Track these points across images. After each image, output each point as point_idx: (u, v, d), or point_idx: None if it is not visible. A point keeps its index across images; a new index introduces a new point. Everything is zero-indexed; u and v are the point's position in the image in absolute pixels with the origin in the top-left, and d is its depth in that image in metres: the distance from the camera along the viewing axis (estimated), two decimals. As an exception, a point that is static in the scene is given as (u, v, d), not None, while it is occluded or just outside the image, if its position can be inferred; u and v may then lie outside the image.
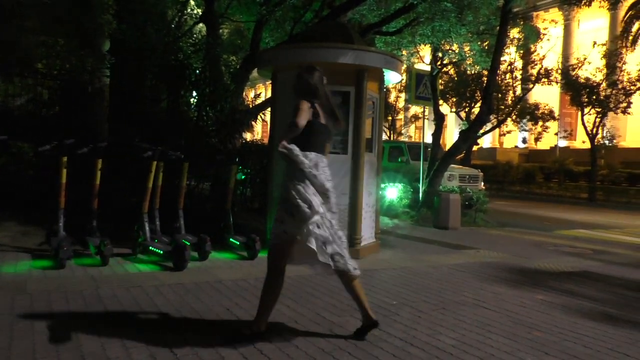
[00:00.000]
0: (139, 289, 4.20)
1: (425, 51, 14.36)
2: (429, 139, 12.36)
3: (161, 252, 5.07)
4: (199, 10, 12.27)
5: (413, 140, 29.41)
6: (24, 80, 9.62)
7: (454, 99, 20.24)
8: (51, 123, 8.77)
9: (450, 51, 12.32)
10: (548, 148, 27.42)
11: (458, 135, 11.58)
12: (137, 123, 7.98)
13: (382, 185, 10.19)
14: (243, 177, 8.43)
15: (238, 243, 5.79)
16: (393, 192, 10.96)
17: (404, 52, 12.60)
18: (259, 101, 11.05)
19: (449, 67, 16.72)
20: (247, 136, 10.33)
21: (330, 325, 3.55)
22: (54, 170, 5.23)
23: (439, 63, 12.37)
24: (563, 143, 26.63)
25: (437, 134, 12.19)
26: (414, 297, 4.42)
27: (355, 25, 10.88)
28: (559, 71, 18.82)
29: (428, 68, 12.21)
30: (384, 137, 21.93)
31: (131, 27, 8.56)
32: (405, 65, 11.05)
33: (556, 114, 21.01)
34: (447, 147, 18.73)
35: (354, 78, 5.99)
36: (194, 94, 8.64)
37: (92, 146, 5.34)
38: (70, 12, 9.27)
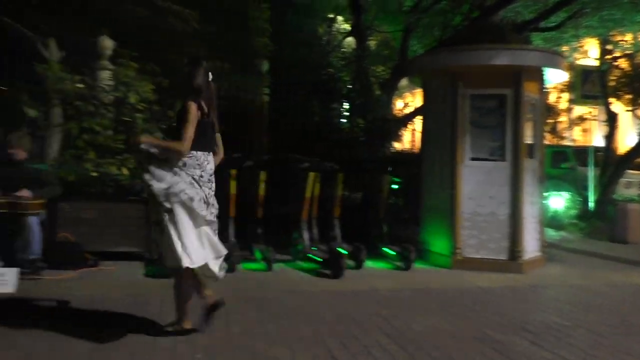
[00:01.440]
0: (301, 294, 4.40)
1: (591, 45, 13.02)
2: (597, 142, 11.13)
3: (320, 259, 5.27)
4: (347, 25, 12.64)
5: (578, 144, 26.70)
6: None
7: (628, 96, 17.93)
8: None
9: (622, 42, 11.00)
10: None
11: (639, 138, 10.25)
12: (292, 136, 8.45)
13: (546, 194, 9.41)
14: (396, 186, 8.42)
15: (393, 253, 5.78)
16: (558, 201, 10.04)
17: (566, 48, 11.56)
18: (407, 110, 11.02)
19: (621, 60, 14.91)
20: (397, 145, 10.32)
21: (493, 343, 3.35)
22: (224, 182, 5.75)
23: (608, 57, 11.12)
24: None
25: (609, 136, 10.94)
26: (590, 319, 3.98)
27: (509, 23, 10.26)
28: None
29: (595, 63, 11.05)
30: (546, 141, 20.23)
31: (286, 47, 9.12)
32: (567, 62, 10.13)
33: None
34: (620, 150, 16.68)
35: (510, 79, 5.64)
36: (345, 105, 8.91)
37: (256, 159, 5.77)
38: (233, 38, 10.17)
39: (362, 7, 9.53)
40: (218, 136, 3.43)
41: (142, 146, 3.17)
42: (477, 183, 5.66)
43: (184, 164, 3.17)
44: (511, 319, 3.84)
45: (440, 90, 6.00)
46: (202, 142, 3.21)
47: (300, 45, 9.47)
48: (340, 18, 12.92)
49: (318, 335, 3.37)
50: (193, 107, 3.14)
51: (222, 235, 5.74)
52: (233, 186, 5.62)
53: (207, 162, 3.29)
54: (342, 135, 8.51)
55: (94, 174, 5.35)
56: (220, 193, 6.13)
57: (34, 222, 4.66)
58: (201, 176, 3.21)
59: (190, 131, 3.10)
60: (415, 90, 13.80)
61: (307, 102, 9.12)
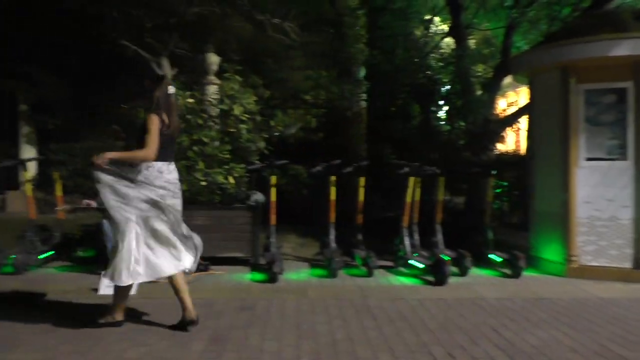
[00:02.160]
0: (403, 302, 4.33)
1: None
2: None
3: (422, 266, 5.15)
4: (445, 26, 12.32)
5: None
6: (296, 111, 11.08)
7: None
8: (319, 147, 9.87)
9: None
10: None
11: None
12: (391, 141, 8.38)
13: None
14: (501, 190, 8.05)
15: (500, 259, 5.50)
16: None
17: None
18: (510, 110, 10.46)
19: None
20: (501, 147, 9.84)
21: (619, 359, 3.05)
22: (325, 188, 5.85)
23: None
24: None
25: None
26: None
27: (629, 11, 9.40)
28: None
29: None
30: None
31: (382, 52, 9.09)
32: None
33: None
34: None
35: (632, 71, 5.14)
36: (445, 108, 8.67)
37: (355, 165, 5.79)
38: (330, 47, 10.34)
39: (461, 6, 9.23)
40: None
41: (97, 172, 3.35)
42: (593, 185, 5.23)
43: (144, 177, 3.37)
44: (635, 331, 3.49)
45: (549, 86, 5.63)
46: (162, 153, 3.40)
47: (396, 49, 9.39)
48: (437, 19, 12.63)
49: (423, 344, 3.28)
50: (155, 118, 3.35)
51: (323, 241, 5.87)
52: (333, 192, 5.69)
53: (169, 171, 3.49)
54: (443, 139, 8.28)
55: (203, 183, 5.67)
56: (321, 199, 6.26)
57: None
58: (163, 187, 3.41)
59: (155, 140, 3.32)
60: (519, 89, 13.10)
61: (405, 106, 9.01)
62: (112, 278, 3.37)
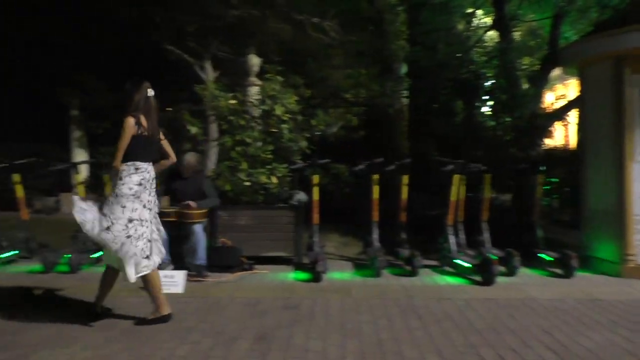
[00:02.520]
0: (449, 302, 4.23)
1: None
2: None
3: (468, 265, 5.03)
4: (488, 19, 12.00)
5: None
6: (337, 109, 11.07)
7: None
8: (360, 145, 9.82)
9: None
10: None
11: None
12: (433, 138, 8.24)
13: None
14: (550, 187, 7.76)
15: (550, 259, 5.30)
16: None
17: None
18: (559, 103, 10.09)
19: None
20: (549, 142, 9.51)
21: (686, 364, 2.88)
22: (367, 187, 5.80)
23: None
24: None
25: None
26: None
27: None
28: None
29: None
30: None
31: (423, 48, 8.94)
32: None
33: None
34: None
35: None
36: (489, 103, 8.45)
37: (398, 163, 5.72)
38: (370, 45, 10.27)
39: (505, -3, 8.97)
40: (166, 143, 3.89)
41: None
42: (651, 181, 4.97)
43: (123, 175, 3.54)
44: None
45: (601, 78, 5.39)
46: (141, 153, 3.58)
47: (438, 44, 9.21)
48: (479, 12, 12.33)
49: (471, 345, 3.20)
50: (129, 121, 3.51)
51: (366, 240, 5.83)
52: (376, 191, 5.64)
53: (147, 171, 3.63)
54: (488, 135, 8.07)
55: (247, 183, 5.74)
56: (363, 198, 6.23)
57: (199, 230, 5.14)
58: (140, 183, 3.56)
59: (122, 145, 3.50)
60: (568, 81, 12.62)
61: (448, 102, 8.83)
62: (127, 279, 3.59)
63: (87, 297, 4.35)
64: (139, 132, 3.56)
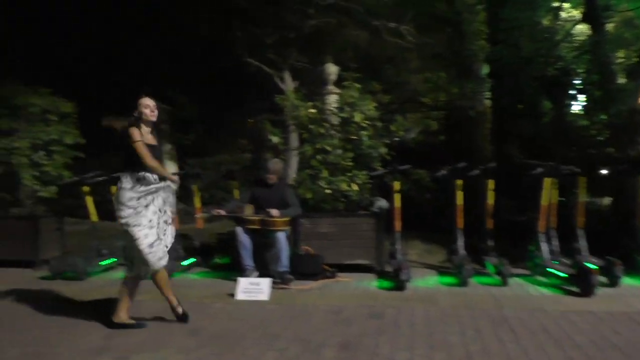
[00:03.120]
0: (543, 313, 3.99)
1: None
2: None
3: (563, 275, 4.72)
4: (577, 12, 11.31)
5: None
6: (415, 114, 10.90)
7: None
8: (440, 149, 9.59)
9: None
10: None
11: None
12: (519, 140, 7.86)
13: None
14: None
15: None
16: None
17: None
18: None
19: None
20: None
21: None
22: (449, 193, 5.63)
23: None
24: None
25: None
26: None
27: None
28: None
29: None
30: None
31: (505, 46, 8.57)
32: None
33: None
34: None
35: None
36: (581, 100, 7.94)
37: (482, 167, 5.50)
38: (448, 46, 10.02)
39: (596, -12, 8.42)
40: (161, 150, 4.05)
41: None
42: None
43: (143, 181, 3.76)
44: None
45: None
46: (143, 164, 3.72)
47: (522, 41, 8.79)
48: (567, 5, 11.65)
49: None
50: (135, 131, 3.73)
51: (451, 248, 5.65)
52: (460, 197, 5.47)
53: (155, 178, 3.80)
54: (579, 134, 7.57)
55: (327, 191, 5.76)
56: (446, 204, 6.05)
57: (282, 237, 5.23)
58: (143, 191, 3.74)
59: (143, 148, 3.71)
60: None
61: (534, 101, 8.39)
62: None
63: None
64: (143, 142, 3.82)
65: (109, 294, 5.01)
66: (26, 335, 3.63)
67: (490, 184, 5.50)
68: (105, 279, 5.73)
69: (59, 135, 7.00)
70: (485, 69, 9.69)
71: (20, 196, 6.94)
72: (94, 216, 6.34)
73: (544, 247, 5.08)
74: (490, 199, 5.50)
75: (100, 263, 6.01)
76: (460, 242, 5.47)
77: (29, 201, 6.89)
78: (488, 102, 9.56)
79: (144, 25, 10.41)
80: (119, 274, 5.95)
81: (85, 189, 6.38)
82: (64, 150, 6.80)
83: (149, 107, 3.90)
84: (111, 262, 6.19)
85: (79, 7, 10.70)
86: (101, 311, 4.27)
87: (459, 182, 5.45)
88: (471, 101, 9.45)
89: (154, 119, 3.91)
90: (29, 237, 6.35)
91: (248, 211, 5.37)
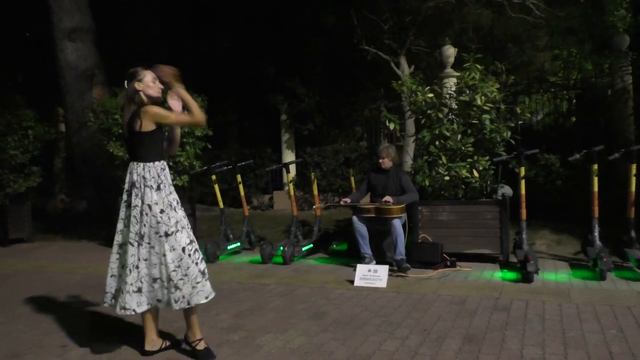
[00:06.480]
0: (702, 315, 3.51)
1: None
2: None
3: None
4: None
5: None
6: (543, 95, 10.11)
7: None
8: (571, 132, 8.82)
9: None
10: None
11: None
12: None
13: None
14: None
15: None
16: None
17: None
18: None
19: None
20: None
21: None
22: (584, 178, 5.15)
23: None
24: None
25: None
26: None
27: None
28: None
29: None
30: None
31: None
32: None
33: None
34: None
35: None
36: None
37: (624, 151, 4.96)
38: (582, 20, 9.12)
39: None
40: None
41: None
42: None
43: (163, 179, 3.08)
44: None
45: None
46: (154, 153, 3.06)
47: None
48: None
49: None
50: (152, 107, 2.99)
51: (586, 239, 5.18)
52: (595, 183, 4.98)
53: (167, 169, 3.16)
54: None
55: (446, 177, 5.57)
56: (579, 191, 5.54)
57: (398, 224, 5.17)
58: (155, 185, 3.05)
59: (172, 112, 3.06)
60: None
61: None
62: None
63: (300, 287, 4.71)
64: (157, 127, 3.09)
65: (238, 277, 5.35)
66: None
67: (633, 168, 4.94)
68: (232, 263, 6.11)
69: (189, 128, 7.54)
70: (626, 42, 8.68)
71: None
72: (220, 203, 6.76)
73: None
74: (632, 186, 4.94)
75: (227, 247, 6.41)
76: (596, 233, 4.99)
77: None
78: (630, 79, 8.55)
79: (269, 19, 10.85)
80: (244, 258, 6.33)
81: (213, 177, 6.84)
82: (194, 141, 7.31)
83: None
84: (237, 247, 6.58)
85: (206, 6, 11.43)
86: (229, 293, 4.57)
87: (595, 167, 4.96)
88: (610, 78, 8.54)
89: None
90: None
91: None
